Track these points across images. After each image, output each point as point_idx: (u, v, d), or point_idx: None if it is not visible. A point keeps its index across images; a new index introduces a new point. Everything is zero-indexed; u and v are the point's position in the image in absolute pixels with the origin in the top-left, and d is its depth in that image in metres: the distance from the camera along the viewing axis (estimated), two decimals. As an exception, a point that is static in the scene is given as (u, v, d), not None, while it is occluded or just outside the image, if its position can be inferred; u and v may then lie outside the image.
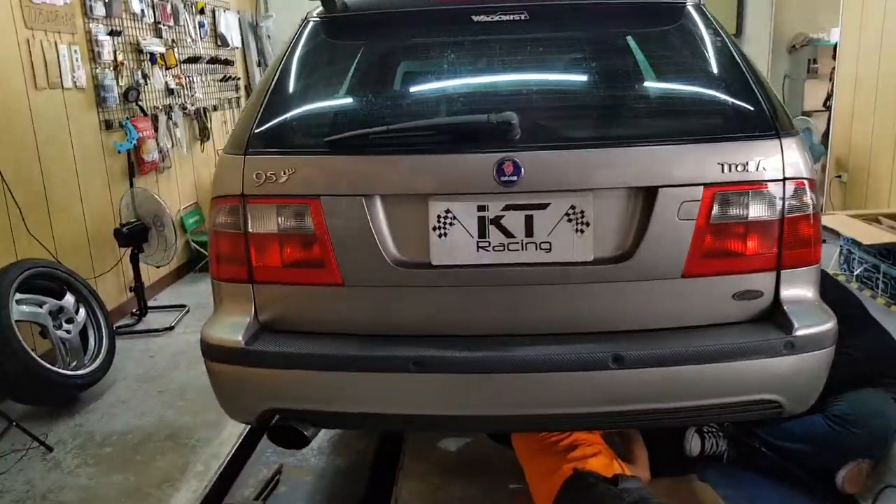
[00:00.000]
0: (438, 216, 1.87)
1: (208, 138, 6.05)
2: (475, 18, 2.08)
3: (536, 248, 1.86)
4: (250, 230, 1.92)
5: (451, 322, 1.94)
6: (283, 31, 7.68)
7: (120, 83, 4.67)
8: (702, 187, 1.80)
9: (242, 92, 7.09)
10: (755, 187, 1.81)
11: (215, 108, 6.30)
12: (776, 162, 1.81)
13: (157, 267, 4.84)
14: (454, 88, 2.16)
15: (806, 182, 1.84)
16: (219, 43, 6.44)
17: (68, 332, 3.54)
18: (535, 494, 2.34)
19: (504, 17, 2.07)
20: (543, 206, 1.84)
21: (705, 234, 1.82)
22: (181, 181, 5.68)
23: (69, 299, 3.62)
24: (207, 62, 6.10)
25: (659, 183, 1.80)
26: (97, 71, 4.46)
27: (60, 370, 3.38)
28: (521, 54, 2.26)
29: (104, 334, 3.77)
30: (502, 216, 1.86)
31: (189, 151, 5.74)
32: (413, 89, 2.27)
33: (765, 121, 1.83)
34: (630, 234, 1.85)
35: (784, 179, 1.81)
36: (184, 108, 5.61)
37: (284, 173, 1.87)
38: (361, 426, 2.14)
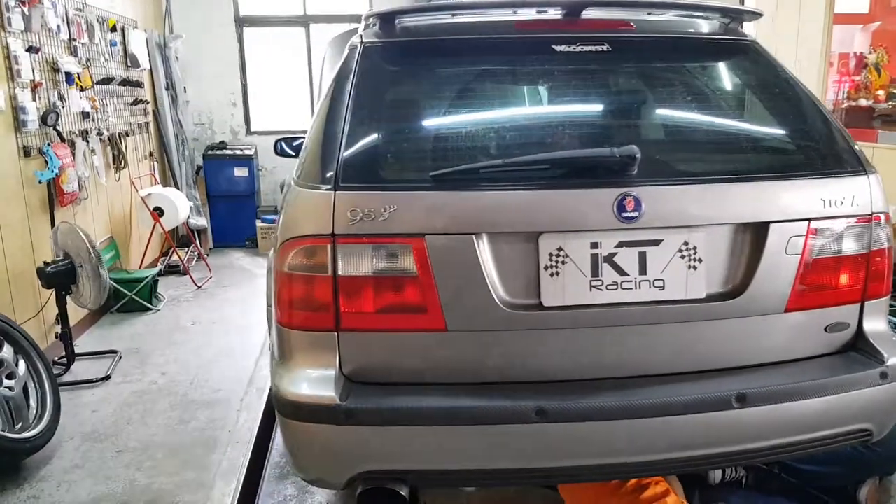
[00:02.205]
0: (550, 254, 1.78)
1: (124, 166, 5.55)
2: (557, 49, 2.01)
3: (650, 286, 1.81)
4: (340, 273, 1.75)
5: (561, 366, 1.83)
6: (193, 53, 7.26)
7: (38, 105, 4.18)
8: (807, 222, 1.83)
9: (151, 117, 6.59)
10: (850, 222, 1.88)
11: (127, 134, 5.80)
12: (866, 197, 1.88)
13: (90, 310, 4.33)
14: (556, 120, 2.09)
15: (883, 216, 1.92)
16: (129, 63, 5.96)
17: (10, 388, 3.06)
18: None
19: (586, 49, 2.01)
20: (657, 243, 1.80)
21: (807, 269, 1.85)
22: (97, 213, 5.16)
23: (7, 351, 3.14)
24: (119, 84, 5.61)
25: (770, 218, 1.81)
26: (16, 91, 3.96)
27: (7, 434, 2.91)
28: (611, 86, 2.19)
29: (47, 389, 3.30)
30: (615, 253, 1.80)
31: (106, 181, 5.22)
32: (509, 121, 2.13)
33: (854, 157, 1.92)
34: (740, 269, 1.84)
35: (872, 214, 1.89)
36: (99, 133, 5.11)
37: (385, 210, 1.71)
38: (471, 483, 1.97)
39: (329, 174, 1.76)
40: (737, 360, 1.87)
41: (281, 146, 4.46)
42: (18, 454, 2.98)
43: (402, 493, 1.77)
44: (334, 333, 1.78)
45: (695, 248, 1.80)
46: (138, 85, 6.09)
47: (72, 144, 4.59)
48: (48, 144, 4.21)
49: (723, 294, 1.84)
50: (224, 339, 4.80)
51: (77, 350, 4.42)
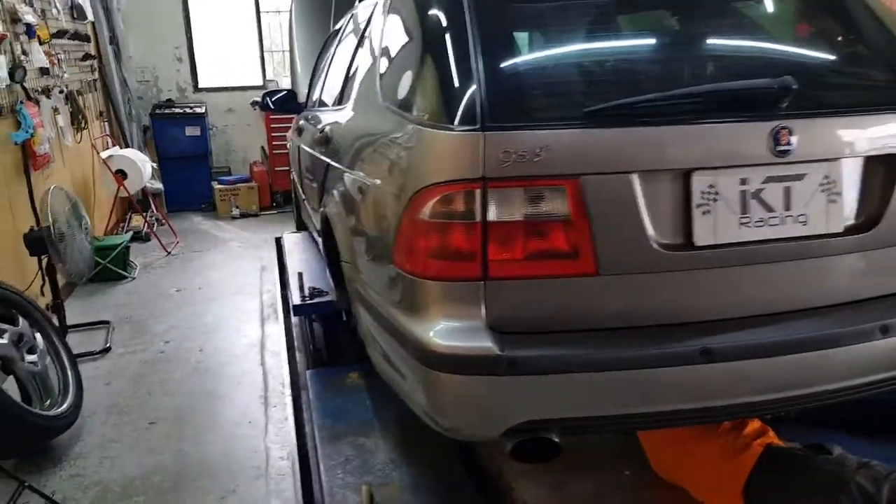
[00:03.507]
0: (702, 192, 1.72)
1: (84, 126, 5.17)
2: None
3: (794, 222, 1.78)
4: (490, 219, 1.66)
5: (713, 306, 1.80)
6: (134, 4, 6.78)
7: (5, 59, 3.82)
8: None
9: (97, 74, 6.14)
10: None
11: (79, 93, 5.39)
12: None
13: (75, 281, 4.07)
14: (703, 51, 2.01)
15: None
16: (75, 15, 5.50)
17: (34, 364, 2.85)
18: (706, 479, 2.25)
19: None
20: (801, 177, 1.77)
21: None
22: (62, 177, 4.79)
23: (23, 324, 2.92)
24: (69, 37, 5.19)
25: None
26: (-15, 44, 3.60)
27: (43, 412, 2.72)
28: (752, 15, 2.13)
29: (66, 363, 3.10)
30: (762, 189, 1.75)
31: (70, 142, 4.86)
32: (656, 52, 2.03)
33: None
34: (874, 201, 1.85)
35: None
36: (61, 91, 4.73)
37: (540, 150, 1.62)
38: (625, 428, 1.94)
39: (472, 114, 1.66)
40: (872, 291, 1.89)
41: (266, 101, 4.30)
42: (52, 432, 2.80)
43: (558, 441, 1.75)
44: (480, 283, 1.69)
45: (834, 181, 1.79)
46: (86, 39, 5.66)
47: (37, 103, 4.23)
48: (20, 103, 3.87)
49: (858, 226, 1.85)
50: (216, 305, 4.63)
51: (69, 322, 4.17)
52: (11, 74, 3.84)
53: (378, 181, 2.01)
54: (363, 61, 2.59)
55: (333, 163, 2.59)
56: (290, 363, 3.68)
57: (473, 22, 1.79)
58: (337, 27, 3.93)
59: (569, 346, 1.68)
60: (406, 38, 2.34)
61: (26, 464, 2.75)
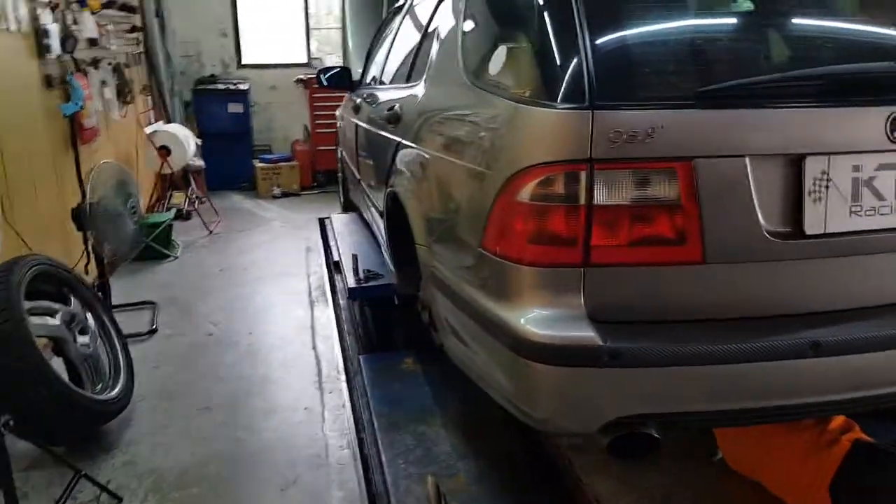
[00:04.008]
0: (815, 178, 1.63)
1: (131, 100, 5.06)
2: None
3: None
4: (596, 202, 1.55)
5: (820, 297, 1.71)
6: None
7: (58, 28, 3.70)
8: None
9: (142, 47, 6.03)
10: None
11: (127, 65, 5.28)
12: None
13: (122, 260, 3.96)
14: (816, 31, 1.90)
15: None
16: (121, -14, 5.38)
17: (86, 346, 2.74)
18: (788, 475, 2.15)
19: None
20: None
21: None
22: (107, 152, 4.68)
23: (75, 304, 2.80)
24: (117, 8, 5.07)
25: None
26: (38, 10, 3.47)
27: (96, 396, 2.61)
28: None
29: (117, 345, 2.99)
30: (875, 177, 1.67)
31: (116, 116, 4.75)
32: (768, 30, 1.90)
33: None
34: None
35: None
36: (110, 63, 4.62)
37: (651, 131, 1.51)
38: (733, 423, 1.85)
39: (578, 90, 1.55)
40: None
41: (320, 77, 4.18)
42: (105, 416, 2.69)
43: (658, 436, 1.62)
44: (580, 269, 1.59)
45: None
46: (133, 10, 5.55)
47: (85, 74, 4.12)
48: (70, 74, 3.75)
49: None
50: (263, 286, 4.51)
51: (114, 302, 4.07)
52: (63, 43, 3.72)
53: (465, 161, 1.88)
54: (439, 37, 2.45)
55: (406, 141, 2.43)
56: (343, 348, 3.54)
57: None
58: (400, 2, 3.76)
59: (675, 338, 1.58)
60: (496, 10, 2.21)
61: (76, 451, 2.64)
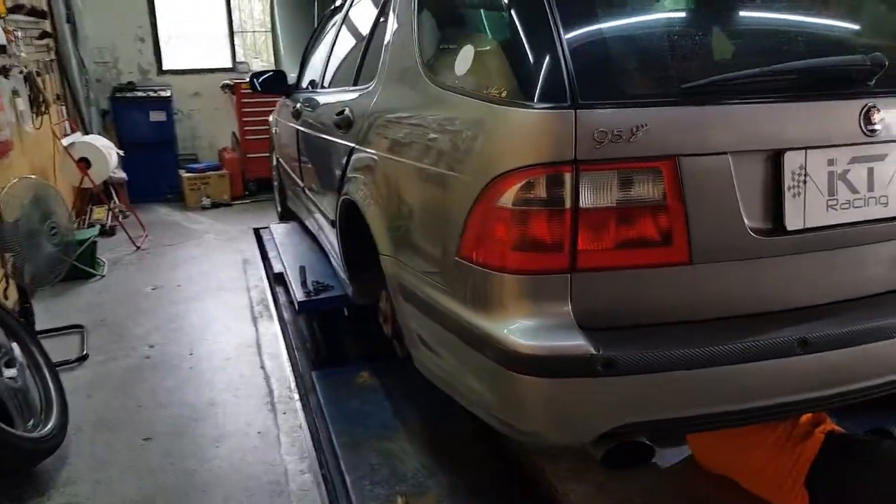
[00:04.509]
0: (793, 173, 1.63)
1: (45, 111, 4.73)
2: None
3: (876, 203, 1.73)
4: (582, 205, 1.50)
5: (802, 293, 1.72)
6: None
7: (-41, 34, 3.40)
8: None
9: (54, 54, 5.66)
10: None
11: (38, 74, 4.93)
12: None
13: (44, 285, 3.67)
14: (788, 25, 1.88)
15: None
16: (29, -11, 5.03)
17: (14, 379, 2.50)
18: (762, 471, 2.14)
19: None
20: (883, 157, 1.72)
21: None
22: (21, 167, 4.36)
23: (0, 334, 2.56)
24: (25, 13, 4.73)
25: None
26: (-61, 14, 3.18)
27: (28, 434, 2.38)
28: None
29: (47, 376, 2.74)
30: (848, 170, 1.69)
31: (30, 128, 4.42)
32: (745, 25, 1.90)
33: None
34: None
35: None
36: (20, 71, 4.29)
37: (636, 130, 1.47)
38: (725, 425, 1.81)
39: (559, 89, 1.49)
40: None
41: (253, 82, 4.02)
42: (39, 455, 2.46)
43: (651, 444, 1.60)
44: (567, 275, 1.54)
45: None
46: (42, 16, 5.19)
47: (-7, 84, 3.81)
48: (-21, 83, 3.46)
49: None
50: (200, 303, 4.28)
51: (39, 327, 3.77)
52: (-33, 51, 3.42)
53: (435, 166, 1.80)
54: (389, 36, 2.35)
55: (362, 147, 2.32)
56: (293, 365, 3.38)
57: None
58: (337, 3, 3.63)
59: (668, 342, 1.55)
60: (456, 7, 2.12)
61: (7, 497, 2.40)
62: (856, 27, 1.96)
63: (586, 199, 1.50)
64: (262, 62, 7.26)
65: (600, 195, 1.50)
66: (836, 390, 1.67)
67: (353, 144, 2.40)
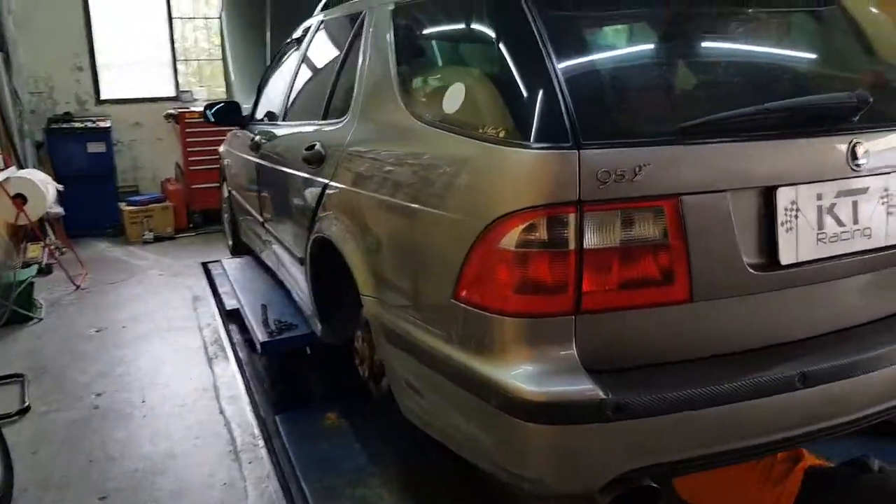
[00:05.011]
0: (786, 208, 1.66)
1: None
2: None
3: (861, 235, 1.78)
4: (586, 246, 1.48)
5: (795, 326, 1.74)
6: (24, 4, 6.04)
7: None
8: None
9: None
10: None
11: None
12: None
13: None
14: (772, 64, 1.96)
15: None
16: (-42, 16, 4.77)
17: (-48, 440, 2.28)
18: None
19: None
20: (865, 190, 1.77)
21: None
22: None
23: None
24: (-46, 41, 4.47)
25: None
26: None
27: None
28: (776, 33, 2.09)
29: (-12, 434, 2.52)
30: (835, 204, 1.73)
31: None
32: (733, 65, 1.94)
33: None
34: None
35: None
36: (-50, 101, 4.04)
37: (638, 169, 1.47)
38: (729, 462, 1.80)
39: (560, 130, 1.48)
40: None
41: (206, 114, 3.90)
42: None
43: (657, 486, 1.57)
44: (571, 317, 1.51)
45: (892, 193, 1.80)
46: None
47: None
48: None
49: None
50: (149, 346, 4.06)
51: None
52: None
53: (427, 206, 1.75)
54: (363, 71, 2.31)
55: (337, 183, 2.23)
56: (254, 408, 3.22)
57: (542, 38, 1.62)
58: (297, 35, 3.55)
59: (674, 383, 1.53)
60: (438, 41, 2.09)
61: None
62: (838, 64, 2.04)
63: (590, 240, 1.48)
64: (206, 91, 7.08)
65: (604, 236, 1.49)
66: (832, 422, 1.69)
67: (326, 181, 2.31)
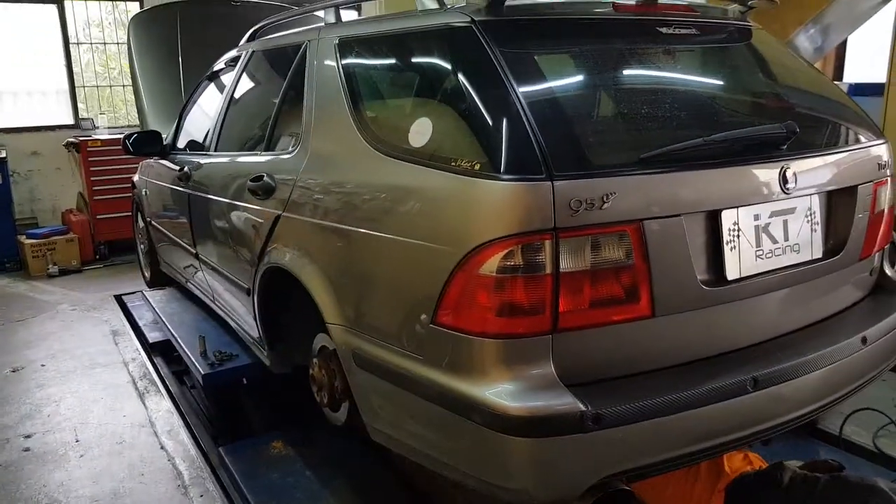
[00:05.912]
0: (729, 229, 1.85)
1: None
2: (661, 30, 2.08)
3: (791, 251, 1.98)
4: (563, 270, 1.61)
5: (739, 335, 1.93)
6: None
7: None
8: (871, 183, 2.16)
9: None
10: (892, 180, 2.26)
11: None
12: (891, 159, 2.26)
13: None
14: (714, 97, 2.18)
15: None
16: None
17: None
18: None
19: (680, 31, 2.13)
20: (793, 210, 1.98)
21: (871, 221, 2.17)
22: None
23: None
24: None
25: (859, 181, 2.11)
26: None
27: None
28: (714, 66, 2.35)
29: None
30: (769, 223, 1.93)
31: None
32: (680, 98, 2.11)
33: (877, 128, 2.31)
34: (839, 228, 2.10)
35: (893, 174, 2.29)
36: None
37: (605, 198, 1.61)
38: (688, 463, 1.94)
39: (532, 163, 1.60)
40: (835, 308, 2.16)
41: (126, 143, 3.83)
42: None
43: (630, 488, 1.73)
44: (548, 336, 1.64)
45: (815, 212, 2.02)
46: None
47: None
48: None
49: (830, 251, 2.08)
50: (73, 384, 3.92)
51: None
52: None
53: (399, 236, 1.85)
54: (312, 100, 2.37)
55: (292, 214, 2.29)
56: (196, 442, 3.21)
57: (506, 75, 1.75)
58: (219, 66, 3.56)
59: (644, 392, 1.68)
60: (389, 72, 2.20)
61: None
62: (771, 97, 2.32)
63: (566, 264, 1.61)
64: (107, 118, 6.85)
65: (577, 259, 1.62)
66: (777, 421, 1.87)
67: (278, 211, 2.37)
